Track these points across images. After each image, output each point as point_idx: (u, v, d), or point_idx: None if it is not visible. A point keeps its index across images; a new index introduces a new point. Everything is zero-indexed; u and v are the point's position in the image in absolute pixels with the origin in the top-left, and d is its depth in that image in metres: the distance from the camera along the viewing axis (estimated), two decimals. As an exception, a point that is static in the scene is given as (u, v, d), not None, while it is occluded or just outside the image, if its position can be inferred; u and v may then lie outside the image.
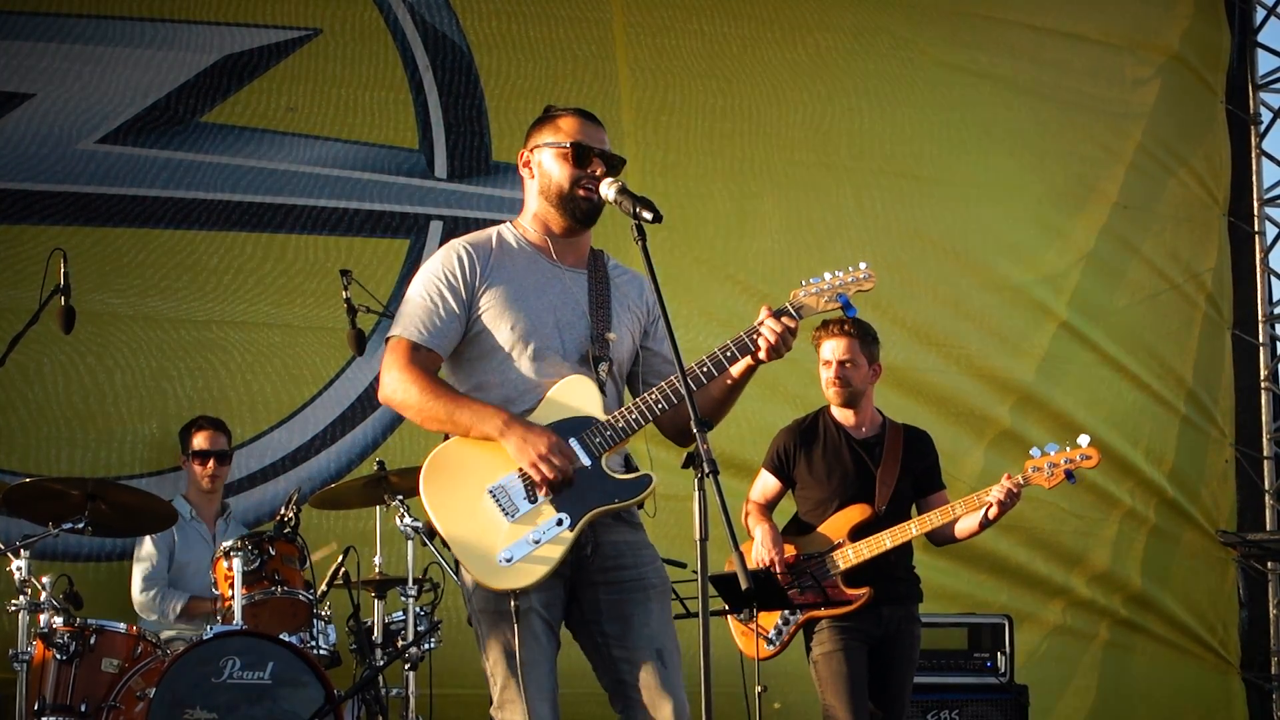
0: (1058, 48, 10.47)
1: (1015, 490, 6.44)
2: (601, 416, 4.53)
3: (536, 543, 4.40)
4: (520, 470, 4.43)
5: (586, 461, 4.47)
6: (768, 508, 6.87)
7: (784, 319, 4.55)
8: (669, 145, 9.38)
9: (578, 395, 4.54)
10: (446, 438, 4.59)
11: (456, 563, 4.55)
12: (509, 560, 4.37)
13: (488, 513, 4.42)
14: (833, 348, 6.75)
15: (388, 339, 4.63)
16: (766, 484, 6.91)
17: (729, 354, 4.55)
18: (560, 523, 4.42)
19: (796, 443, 6.85)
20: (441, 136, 8.88)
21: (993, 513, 6.48)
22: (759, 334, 4.54)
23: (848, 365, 6.74)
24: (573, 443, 4.46)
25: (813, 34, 9.87)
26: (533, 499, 4.42)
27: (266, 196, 8.50)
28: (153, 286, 8.25)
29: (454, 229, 8.47)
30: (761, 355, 4.54)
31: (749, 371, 4.62)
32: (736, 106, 9.59)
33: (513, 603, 4.38)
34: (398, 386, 4.55)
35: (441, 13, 8.98)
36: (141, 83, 8.34)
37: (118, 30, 8.34)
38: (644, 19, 9.45)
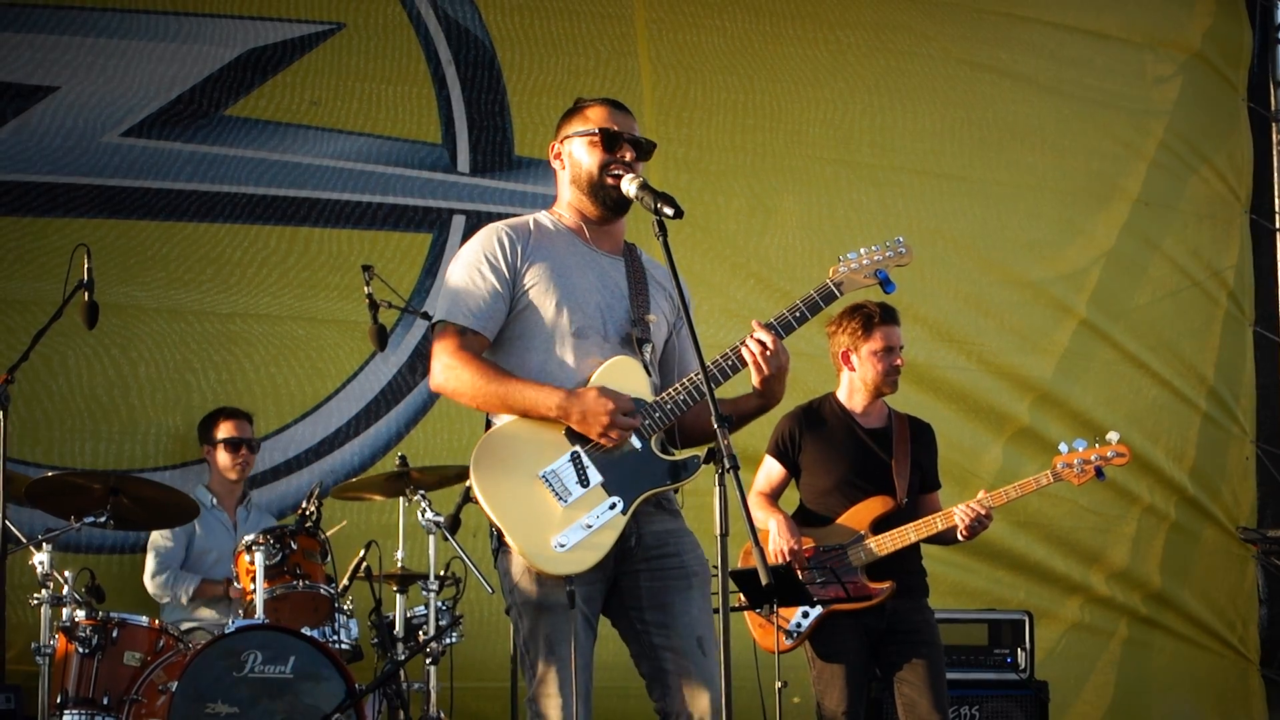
0: (1079, 45, 10.46)
1: (985, 515, 6.36)
2: (649, 398, 4.53)
3: (589, 528, 4.40)
4: (571, 453, 4.43)
5: (637, 444, 4.47)
6: (773, 497, 6.62)
7: (759, 336, 4.54)
8: (690, 141, 9.37)
9: (625, 376, 4.54)
10: (488, 422, 4.60)
11: (495, 552, 4.56)
12: (563, 546, 4.38)
13: (541, 498, 4.41)
14: (894, 335, 6.50)
15: (433, 324, 4.62)
16: (771, 471, 6.65)
17: (730, 363, 4.56)
18: (614, 506, 4.43)
19: (802, 428, 6.59)
20: (464, 131, 8.88)
21: (961, 534, 6.41)
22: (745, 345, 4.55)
23: (903, 351, 6.56)
24: None
25: (834, 31, 9.86)
26: (585, 483, 4.42)
27: (290, 190, 8.50)
28: (176, 279, 8.25)
29: (476, 224, 8.44)
30: (755, 381, 4.56)
31: (757, 409, 4.66)
32: (757, 103, 9.58)
33: (568, 588, 4.38)
34: (449, 374, 4.53)
35: (464, 7, 8.98)
36: (165, 76, 8.34)
37: (142, 24, 8.35)
38: (666, 15, 9.44)
